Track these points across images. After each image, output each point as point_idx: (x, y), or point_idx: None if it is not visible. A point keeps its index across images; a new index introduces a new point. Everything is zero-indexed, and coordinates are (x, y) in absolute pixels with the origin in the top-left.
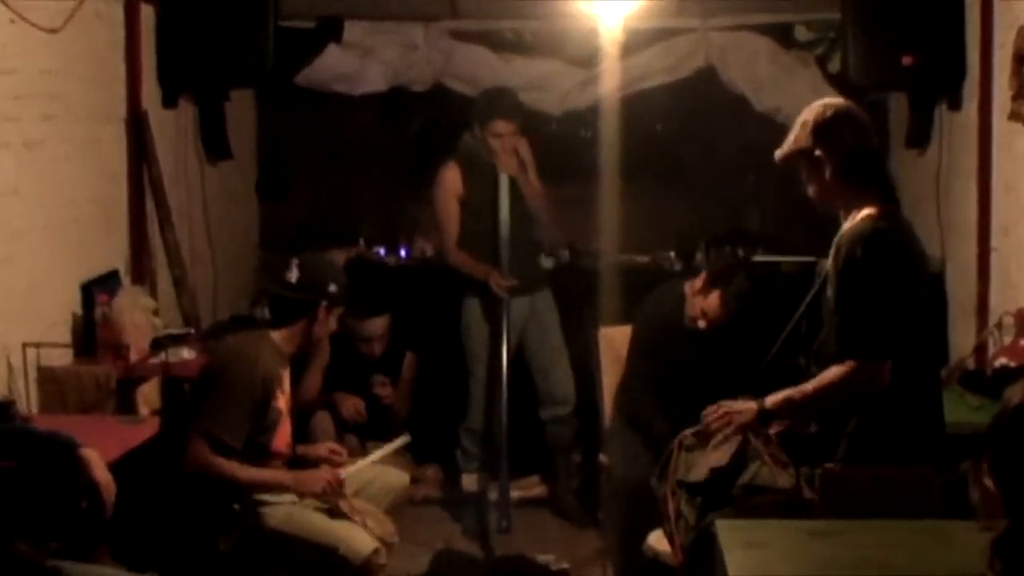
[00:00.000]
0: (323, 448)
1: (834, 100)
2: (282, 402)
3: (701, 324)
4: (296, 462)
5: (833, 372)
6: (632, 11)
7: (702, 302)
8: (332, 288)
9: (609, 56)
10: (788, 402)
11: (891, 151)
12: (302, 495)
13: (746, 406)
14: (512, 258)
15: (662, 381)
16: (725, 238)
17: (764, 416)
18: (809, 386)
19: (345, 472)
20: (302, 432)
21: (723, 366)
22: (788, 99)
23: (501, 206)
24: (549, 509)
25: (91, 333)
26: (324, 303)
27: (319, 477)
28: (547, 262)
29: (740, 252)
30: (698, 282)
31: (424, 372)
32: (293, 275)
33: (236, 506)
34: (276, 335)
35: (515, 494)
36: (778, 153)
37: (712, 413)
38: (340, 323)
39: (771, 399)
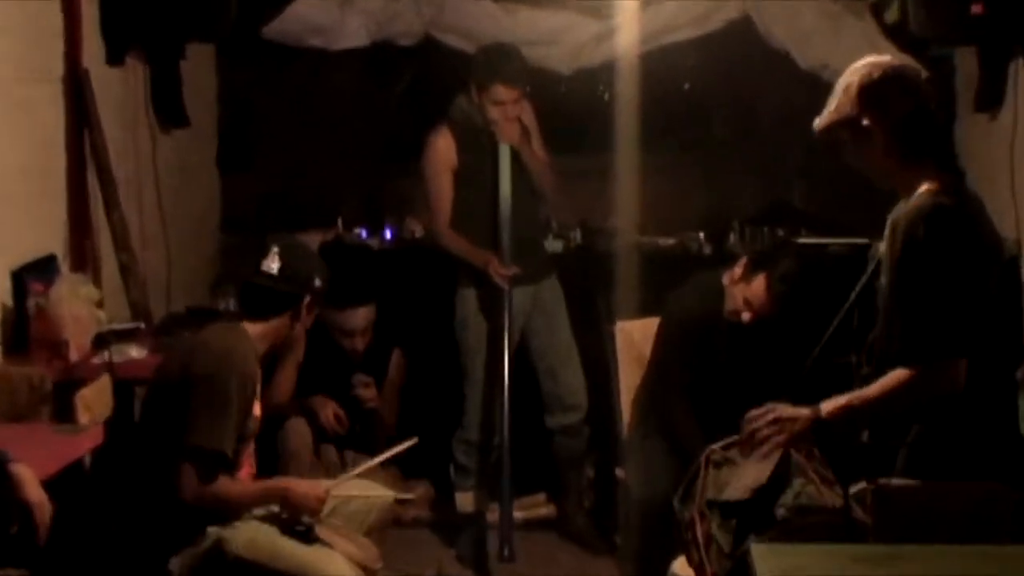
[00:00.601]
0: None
1: (881, 59)
2: (257, 408)
3: (745, 316)
4: None
5: (900, 375)
6: None
7: (745, 290)
8: (317, 283)
9: (628, 6)
10: (848, 410)
11: (957, 115)
12: (281, 512)
13: (799, 412)
14: (514, 241)
15: (695, 384)
16: (763, 217)
17: (820, 426)
18: (872, 391)
19: (333, 485)
20: (272, 441)
21: (765, 366)
22: (837, 55)
23: (501, 181)
24: (557, 532)
25: (23, 328)
26: (308, 298)
27: (311, 495)
28: (554, 245)
29: (781, 233)
30: (738, 269)
31: (413, 372)
32: (273, 263)
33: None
34: (251, 329)
35: (518, 515)
36: (817, 123)
37: (758, 419)
38: (316, 317)
39: (828, 406)
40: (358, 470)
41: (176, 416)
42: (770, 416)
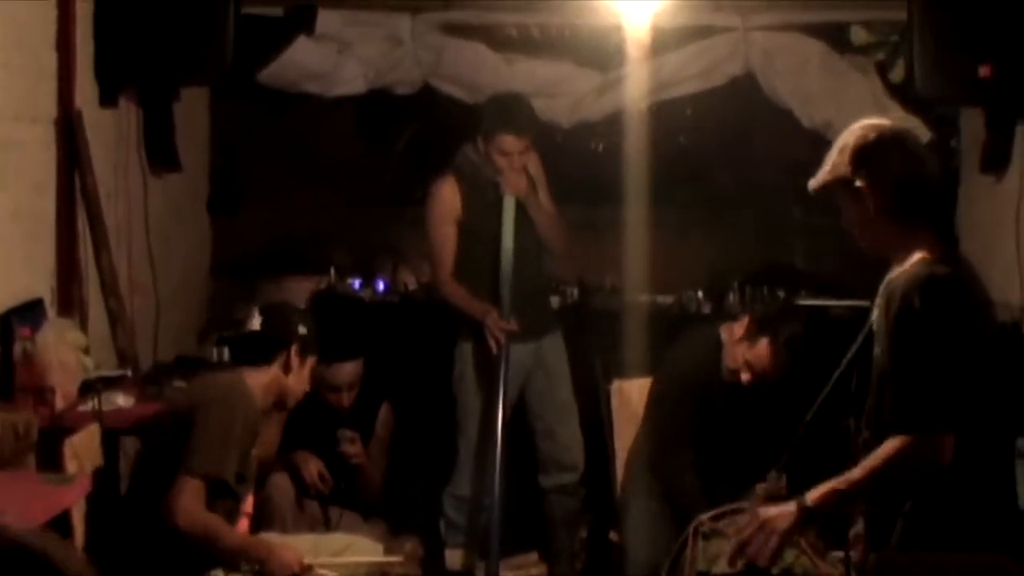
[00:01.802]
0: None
1: (880, 121)
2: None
3: (745, 378)
4: None
5: (884, 451)
6: (661, 7)
7: (746, 351)
8: (301, 330)
9: (631, 59)
10: (835, 495)
11: (962, 176)
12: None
13: (783, 510)
14: (516, 296)
15: (691, 441)
16: (762, 276)
17: (808, 517)
18: (857, 473)
19: (311, 563)
20: (257, 495)
21: (762, 422)
22: (842, 113)
23: (505, 233)
24: None
25: (8, 373)
26: (295, 347)
27: (289, 564)
28: (552, 300)
29: (780, 294)
30: (739, 328)
31: (404, 426)
32: (255, 323)
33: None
34: (251, 379)
35: (508, 574)
36: (812, 182)
37: (745, 529)
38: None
39: (813, 496)
40: (335, 562)
41: (179, 451)
42: (755, 523)
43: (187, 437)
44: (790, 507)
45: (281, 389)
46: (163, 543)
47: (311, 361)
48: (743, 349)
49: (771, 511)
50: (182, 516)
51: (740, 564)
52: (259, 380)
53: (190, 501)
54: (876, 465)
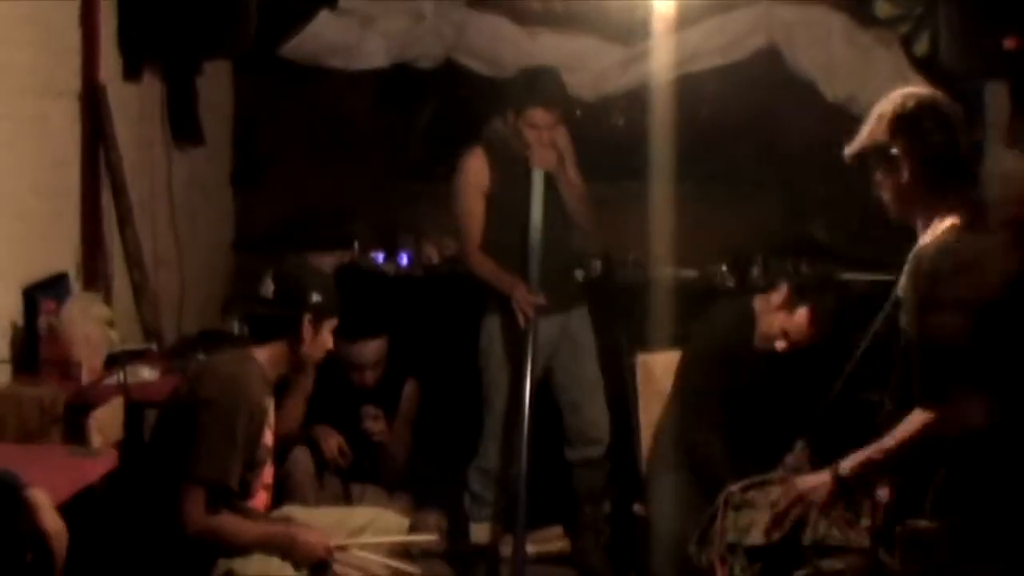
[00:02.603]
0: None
1: (917, 90)
2: (268, 436)
3: (780, 345)
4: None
5: (916, 419)
6: None
7: (784, 320)
8: (315, 297)
9: (655, 33)
10: (868, 464)
11: (986, 150)
12: (285, 559)
13: (819, 481)
14: (544, 269)
15: (722, 412)
16: (786, 250)
17: (842, 487)
18: (891, 440)
19: (338, 544)
20: (278, 469)
21: (788, 398)
22: (865, 87)
23: (533, 207)
24: (572, 568)
25: (34, 348)
26: (307, 316)
27: (314, 550)
28: (577, 274)
29: (804, 267)
30: (778, 297)
31: (429, 399)
32: (268, 288)
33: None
34: (261, 355)
35: (533, 548)
36: (849, 150)
37: (781, 500)
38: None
39: (846, 465)
40: (364, 541)
41: (183, 443)
42: (792, 494)
43: (190, 434)
44: (824, 477)
45: (294, 359)
46: (176, 527)
47: (329, 325)
48: (781, 318)
49: (807, 482)
50: (191, 525)
51: (776, 535)
52: (269, 354)
53: (197, 509)
54: (909, 434)
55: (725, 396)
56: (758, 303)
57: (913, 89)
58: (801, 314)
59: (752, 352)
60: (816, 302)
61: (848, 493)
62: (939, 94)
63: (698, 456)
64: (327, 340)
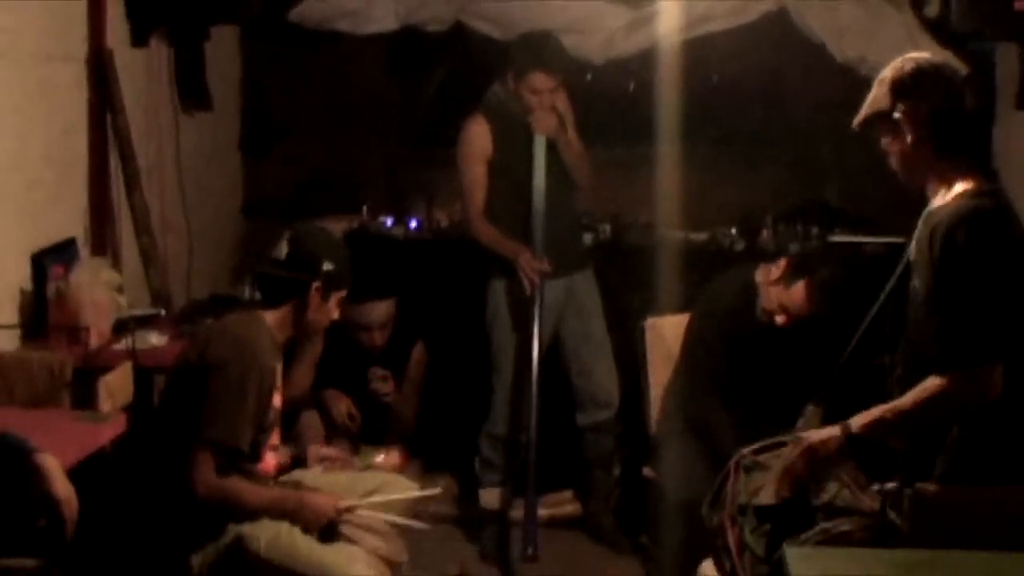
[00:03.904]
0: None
1: (918, 54)
2: (277, 399)
3: (780, 320)
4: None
5: (933, 384)
6: None
7: (782, 293)
8: (327, 266)
9: None
10: (880, 423)
11: (997, 114)
12: (295, 523)
13: (829, 435)
14: (548, 234)
15: (726, 381)
16: (796, 213)
17: (853, 443)
18: (905, 401)
19: (348, 504)
20: (288, 433)
21: (797, 361)
22: (875, 48)
23: (536, 172)
24: (583, 531)
25: (43, 313)
26: (316, 284)
27: (324, 511)
28: (584, 238)
29: (815, 230)
30: (776, 270)
31: (438, 365)
32: (282, 250)
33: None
34: (269, 318)
35: (544, 512)
36: (856, 119)
37: (790, 455)
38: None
39: (858, 421)
40: (373, 500)
41: (193, 406)
42: (800, 448)
43: (200, 397)
44: (835, 431)
45: (299, 325)
46: (186, 492)
47: (337, 295)
48: (779, 291)
49: (815, 436)
50: (201, 487)
51: (784, 490)
52: (275, 317)
53: (207, 471)
54: (925, 396)
55: (731, 364)
56: (760, 274)
57: (915, 54)
58: (798, 288)
59: (755, 323)
60: (813, 276)
61: (857, 450)
62: (941, 58)
63: (703, 423)
64: (333, 310)
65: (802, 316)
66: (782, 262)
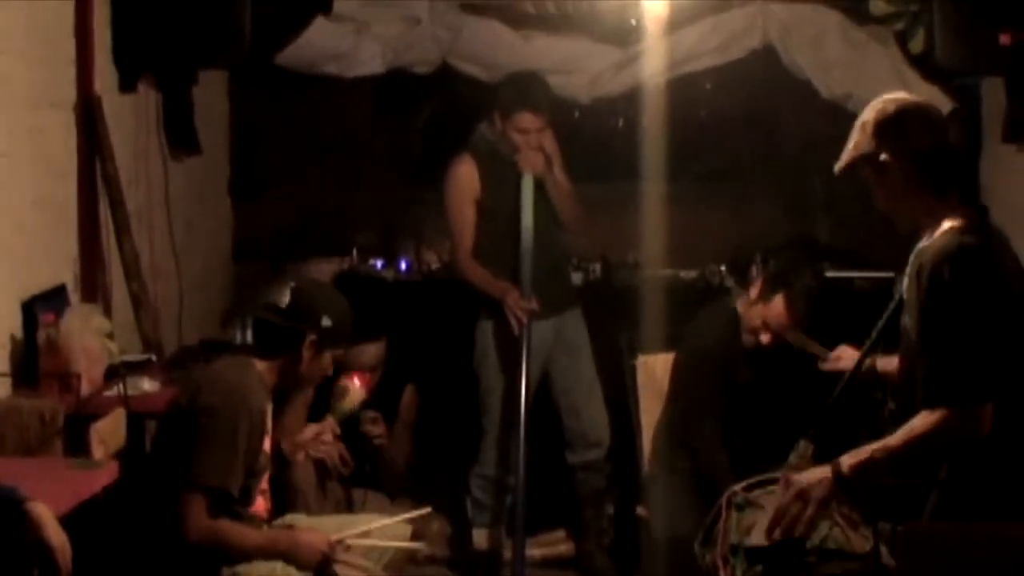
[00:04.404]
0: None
1: (897, 94)
2: (267, 443)
3: (764, 338)
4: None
5: (922, 422)
6: None
7: (763, 312)
8: (326, 321)
9: (649, 34)
10: (870, 463)
11: (983, 146)
12: (287, 563)
13: (820, 476)
14: (536, 273)
15: (716, 414)
16: (786, 249)
17: (843, 484)
18: (895, 440)
19: (339, 537)
20: (279, 477)
21: (789, 398)
22: (861, 84)
23: (524, 211)
24: (576, 570)
25: (33, 360)
26: (312, 337)
27: (316, 547)
28: (574, 277)
29: (804, 266)
30: (754, 291)
31: (429, 407)
32: (284, 299)
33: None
34: (260, 365)
35: (536, 552)
36: (838, 164)
37: (782, 497)
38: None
39: (848, 461)
40: (362, 529)
41: (184, 452)
42: (792, 492)
43: (190, 442)
44: (825, 472)
45: (290, 376)
46: (178, 536)
47: (332, 352)
48: (759, 310)
49: (805, 478)
50: (193, 532)
51: (777, 534)
52: (267, 366)
53: (198, 516)
54: (914, 436)
55: (719, 399)
56: (739, 302)
57: (895, 94)
58: (777, 302)
59: (741, 351)
60: (789, 288)
61: (848, 490)
62: (922, 96)
63: (695, 459)
64: (326, 366)
65: (784, 330)
66: (758, 282)
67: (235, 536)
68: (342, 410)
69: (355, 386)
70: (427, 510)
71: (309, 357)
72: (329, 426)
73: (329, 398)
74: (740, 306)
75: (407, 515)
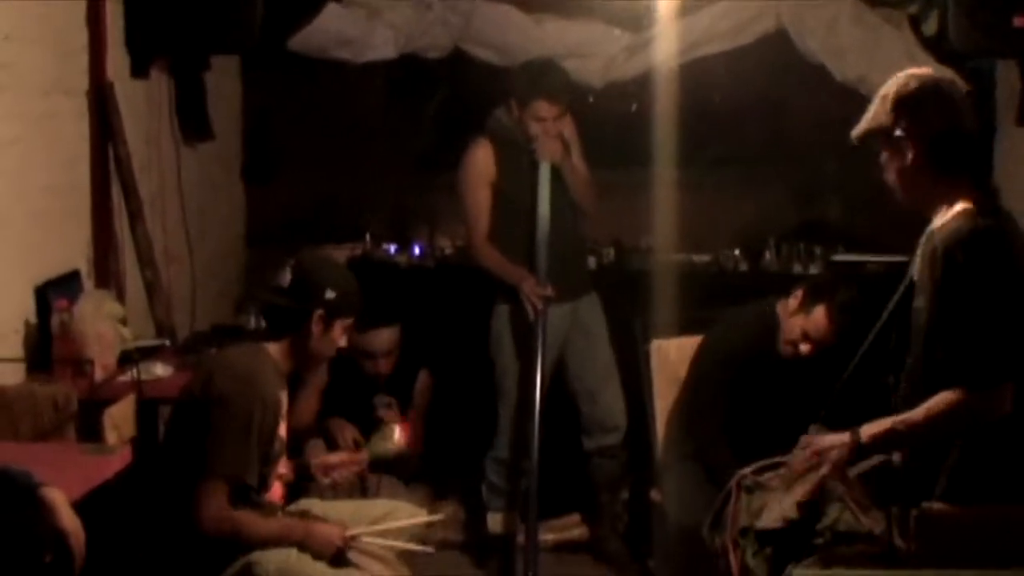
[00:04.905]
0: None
1: (920, 71)
2: (283, 429)
3: (804, 348)
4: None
5: (946, 399)
6: None
7: (803, 322)
8: (329, 294)
9: (661, 18)
10: (890, 434)
11: (997, 130)
12: (302, 552)
13: (838, 440)
14: (552, 259)
15: (732, 409)
16: (799, 233)
17: (860, 452)
18: (917, 415)
19: (354, 533)
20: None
21: (804, 389)
22: (874, 67)
23: (540, 199)
24: (591, 555)
25: (47, 346)
26: (319, 312)
27: (331, 540)
28: (589, 262)
29: (817, 251)
30: (794, 301)
31: (444, 391)
32: (285, 278)
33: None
34: (272, 349)
35: (550, 537)
36: (854, 131)
37: (798, 455)
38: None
39: (868, 431)
40: (378, 528)
41: (198, 439)
42: (809, 450)
43: (204, 430)
44: (844, 438)
45: (302, 355)
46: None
47: (342, 324)
48: (800, 320)
49: (825, 440)
50: (208, 521)
51: (799, 493)
52: (279, 348)
53: (213, 505)
54: (935, 414)
55: (740, 398)
56: (780, 309)
57: (917, 70)
58: (819, 313)
59: (773, 358)
60: (832, 299)
61: (864, 457)
62: (943, 75)
63: (701, 448)
64: (338, 339)
65: (825, 342)
66: (799, 292)
67: (249, 526)
68: (377, 452)
69: (397, 434)
70: (439, 516)
71: (319, 332)
72: (359, 461)
73: (371, 412)
74: (780, 312)
75: (421, 519)
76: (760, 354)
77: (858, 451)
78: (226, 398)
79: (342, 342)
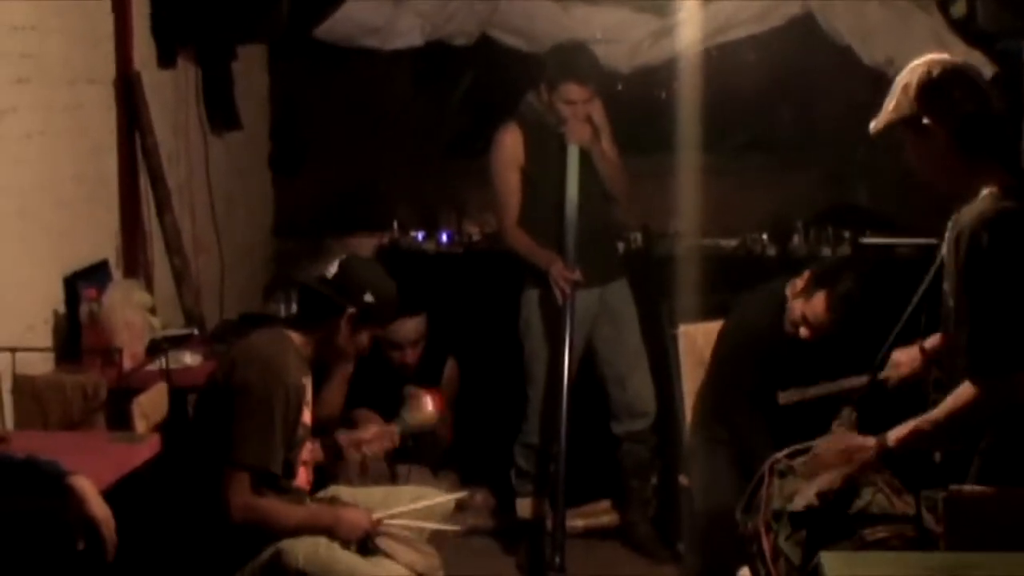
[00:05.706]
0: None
1: (940, 56)
2: (307, 415)
3: (803, 332)
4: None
5: (965, 392)
6: None
7: (803, 306)
8: (368, 298)
9: (688, 3)
10: (916, 435)
11: None
12: (331, 539)
13: (866, 443)
14: (581, 243)
15: (756, 392)
16: (827, 217)
17: (886, 456)
18: (939, 412)
19: (381, 516)
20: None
21: (831, 370)
22: (902, 50)
23: (569, 182)
24: (620, 540)
25: (76, 335)
26: (352, 311)
27: (359, 524)
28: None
29: (846, 234)
30: (800, 282)
31: (472, 378)
32: (332, 270)
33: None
34: (296, 336)
35: (580, 523)
36: (876, 124)
37: (827, 447)
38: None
39: (894, 435)
40: (404, 510)
41: (223, 427)
42: (839, 447)
43: (228, 418)
44: (871, 441)
45: (328, 347)
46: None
47: (369, 331)
48: (801, 303)
49: (855, 439)
50: (236, 510)
51: (825, 485)
52: (304, 336)
53: (240, 494)
54: (958, 407)
55: (762, 375)
56: (789, 289)
57: (937, 56)
58: (818, 299)
59: (784, 336)
60: (833, 287)
61: (891, 461)
62: (966, 59)
63: (733, 430)
64: (362, 342)
65: (822, 329)
66: (807, 274)
67: (278, 514)
68: (408, 424)
69: (428, 405)
70: (464, 493)
71: (347, 331)
72: (391, 435)
73: (398, 404)
74: (788, 291)
75: (447, 497)
76: (777, 331)
77: (885, 456)
78: (249, 387)
79: (363, 345)
